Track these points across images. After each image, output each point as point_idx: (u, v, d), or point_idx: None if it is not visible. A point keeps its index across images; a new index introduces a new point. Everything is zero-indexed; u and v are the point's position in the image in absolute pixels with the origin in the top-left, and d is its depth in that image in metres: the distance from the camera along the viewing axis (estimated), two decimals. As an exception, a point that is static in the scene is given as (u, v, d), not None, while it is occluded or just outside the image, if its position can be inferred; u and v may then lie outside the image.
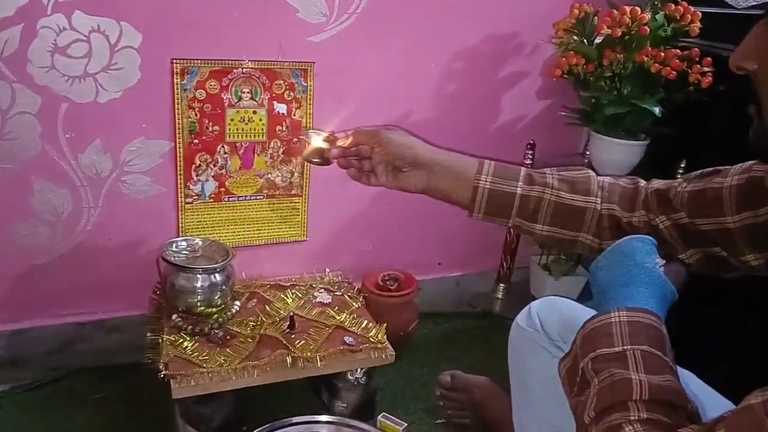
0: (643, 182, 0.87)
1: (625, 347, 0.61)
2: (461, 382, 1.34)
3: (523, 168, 0.88)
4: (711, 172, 0.79)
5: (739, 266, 0.77)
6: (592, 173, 0.87)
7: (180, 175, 1.41)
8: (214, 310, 1.34)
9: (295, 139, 0.99)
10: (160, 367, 1.18)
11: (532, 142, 1.57)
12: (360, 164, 0.93)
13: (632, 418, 0.56)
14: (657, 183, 0.85)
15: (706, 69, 1.36)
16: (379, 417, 1.34)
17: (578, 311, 1.01)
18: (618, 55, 1.41)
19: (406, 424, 1.34)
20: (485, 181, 0.85)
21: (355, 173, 0.93)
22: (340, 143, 0.93)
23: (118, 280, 1.46)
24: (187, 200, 1.44)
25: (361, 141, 0.91)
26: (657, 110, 1.37)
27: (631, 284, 0.69)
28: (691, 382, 0.94)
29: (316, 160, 0.95)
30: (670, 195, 0.81)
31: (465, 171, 0.87)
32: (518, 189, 0.85)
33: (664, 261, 0.73)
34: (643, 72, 1.40)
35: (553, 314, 0.99)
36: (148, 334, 1.30)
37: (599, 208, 0.84)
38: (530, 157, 1.58)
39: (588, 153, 1.63)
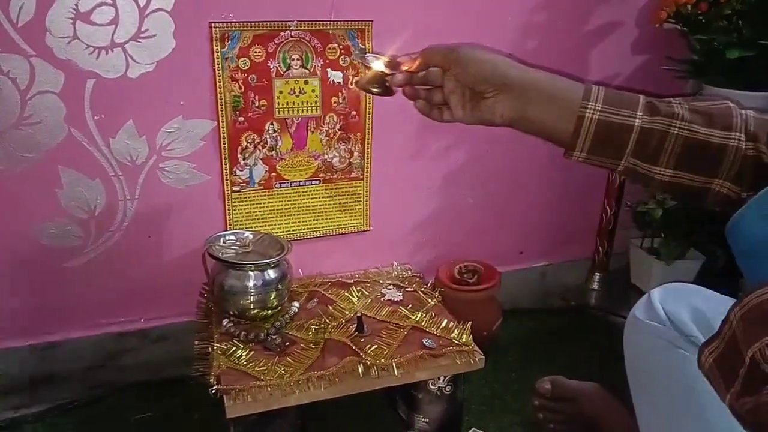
0: None
1: None
2: (564, 390, 1.16)
3: (642, 95, 0.69)
4: None
5: None
6: (732, 104, 0.69)
7: (225, 159, 1.23)
8: (269, 312, 1.16)
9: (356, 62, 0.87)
10: (211, 380, 0.99)
11: (629, 103, 1.34)
12: (429, 95, 0.77)
13: None
14: None
15: None
16: (470, 434, 1.14)
17: (716, 300, 0.82)
18: (739, -13, 1.17)
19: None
20: (593, 109, 0.67)
21: (424, 106, 0.78)
22: (405, 67, 0.77)
23: (161, 282, 1.28)
24: (234, 188, 1.26)
25: (433, 62, 0.74)
26: (796, 49, 1.12)
27: None
28: None
29: (376, 88, 0.79)
30: None
31: (567, 95, 0.68)
32: (637, 120, 0.66)
33: None
34: (772, 6, 1.15)
35: (682, 304, 0.83)
36: (196, 343, 1.12)
37: (743, 146, 0.66)
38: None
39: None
